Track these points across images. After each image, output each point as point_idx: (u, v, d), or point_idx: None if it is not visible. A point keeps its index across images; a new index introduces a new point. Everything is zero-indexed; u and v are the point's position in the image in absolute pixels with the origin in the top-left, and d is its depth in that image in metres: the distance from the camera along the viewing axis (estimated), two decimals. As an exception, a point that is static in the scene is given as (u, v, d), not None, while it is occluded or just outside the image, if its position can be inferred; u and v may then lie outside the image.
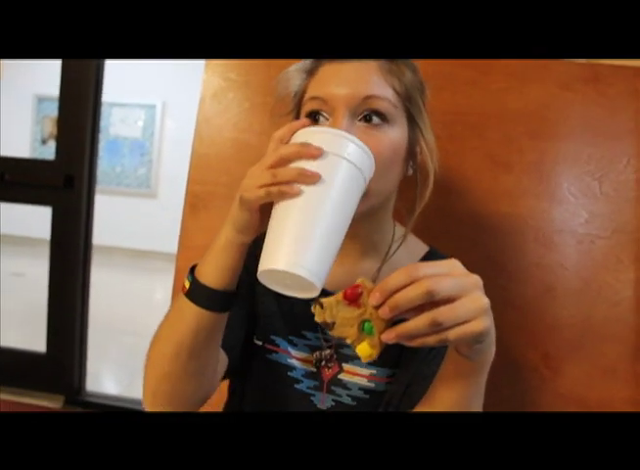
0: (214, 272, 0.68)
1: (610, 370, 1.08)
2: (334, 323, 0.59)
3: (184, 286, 0.70)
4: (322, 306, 0.60)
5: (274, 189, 0.60)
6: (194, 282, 0.69)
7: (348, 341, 0.59)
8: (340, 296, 0.59)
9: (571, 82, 1.10)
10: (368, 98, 0.74)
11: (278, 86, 0.87)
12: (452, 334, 0.54)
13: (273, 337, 0.86)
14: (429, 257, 0.89)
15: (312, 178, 0.60)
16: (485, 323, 0.55)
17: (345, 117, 0.73)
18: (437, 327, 0.53)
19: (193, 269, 0.71)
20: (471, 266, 0.59)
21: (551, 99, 1.10)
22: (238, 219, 0.65)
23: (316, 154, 0.61)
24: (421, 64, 1.10)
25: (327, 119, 0.75)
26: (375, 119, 0.74)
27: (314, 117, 0.76)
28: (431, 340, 0.55)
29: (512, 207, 1.10)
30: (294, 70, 0.83)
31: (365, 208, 0.75)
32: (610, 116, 1.10)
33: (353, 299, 0.58)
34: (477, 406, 0.68)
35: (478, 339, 0.56)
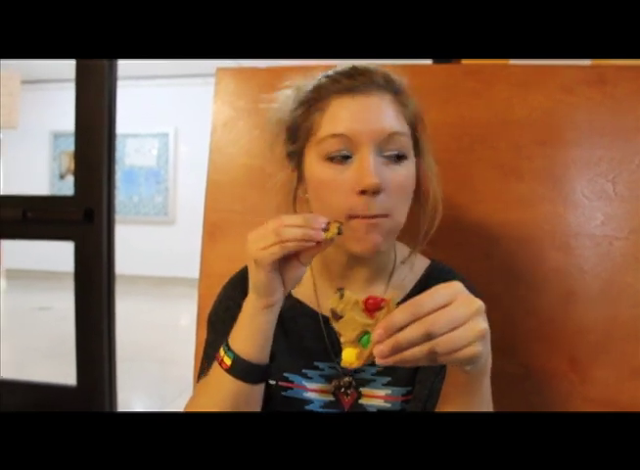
0: (249, 344, 0.72)
1: (638, 371, 1.06)
2: (341, 317, 0.61)
3: (224, 361, 0.73)
4: (342, 297, 0.61)
5: (280, 246, 0.65)
6: (236, 360, 0.72)
7: (342, 339, 0.61)
8: (362, 299, 0.60)
9: (575, 86, 1.10)
10: (393, 134, 0.76)
11: (273, 117, 0.87)
12: (443, 359, 0.57)
13: (286, 374, 0.85)
14: (431, 270, 0.89)
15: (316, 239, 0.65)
16: (477, 349, 0.56)
17: (372, 154, 0.75)
18: (433, 355, 0.56)
19: (227, 343, 0.74)
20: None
21: (556, 104, 1.10)
22: (257, 283, 0.70)
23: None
24: (424, 78, 1.12)
25: (350, 157, 0.76)
26: (398, 157, 0.77)
27: (339, 158, 0.76)
28: (422, 362, 0.57)
29: (526, 214, 1.10)
30: (292, 100, 0.84)
31: (390, 244, 0.81)
32: (617, 116, 1.09)
33: (372, 309, 0.60)
34: None
35: (467, 363, 0.58)
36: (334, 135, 0.76)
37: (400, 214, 0.78)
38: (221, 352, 0.74)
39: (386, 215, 0.75)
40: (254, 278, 0.69)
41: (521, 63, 1.12)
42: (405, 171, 0.77)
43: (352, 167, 0.75)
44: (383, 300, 0.59)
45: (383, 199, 0.74)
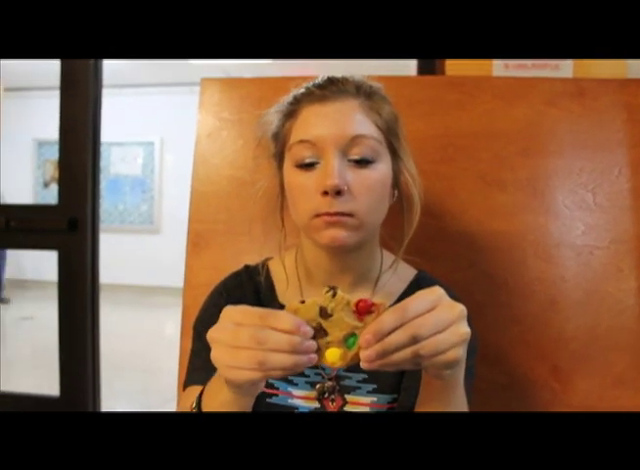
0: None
1: (619, 379, 1.08)
2: (330, 316, 0.59)
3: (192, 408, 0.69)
4: (334, 296, 0.59)
5: (263, 374, 0.56)
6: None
7: (328, 338, 0.60)
8: (353, 301, 0.59)
9: (557, 99, 1.12)
10: (356, 138, 0.77)
11: (258, 129, 0.90)
12: (425, 362, 0.58)
13: (271, 380, 0.84)
14: (418, 281, 0.90)
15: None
16: (458, 353, 0.57)
17: (336, 158, 0.77)
18: (417, 359, 0.57)
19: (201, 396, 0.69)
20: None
21: (538, 116, 1.12)
22: (232, 389, 0.62)
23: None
24: (409, 90, 1.13)
25: (318, 163, 0.78)
26: (364, 160, 0.78)
27: (306, 165, 0.79)
28: (405, 366, 0.58)
29: (508, 224, 1.11)
30: (273, 112, 0.87)
31: (357, 241, 0.79)
32: (598, 128, 1.12)
33: (362, 312, 0.59)
34: None
35: (448, 367, 0.59)
36: (301, 141, 0.80)
37: (367, 215, 0.78)
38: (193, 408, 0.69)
39: (350, 215, 0.77)
40: (228, 387, 0.62)
41: (504, 75, 1.13)
42: (374, 174, 0.79)
43: (318, 172, 0.78)
44: (373, 304, 0.59)
45: (346, 199, 0.76)
